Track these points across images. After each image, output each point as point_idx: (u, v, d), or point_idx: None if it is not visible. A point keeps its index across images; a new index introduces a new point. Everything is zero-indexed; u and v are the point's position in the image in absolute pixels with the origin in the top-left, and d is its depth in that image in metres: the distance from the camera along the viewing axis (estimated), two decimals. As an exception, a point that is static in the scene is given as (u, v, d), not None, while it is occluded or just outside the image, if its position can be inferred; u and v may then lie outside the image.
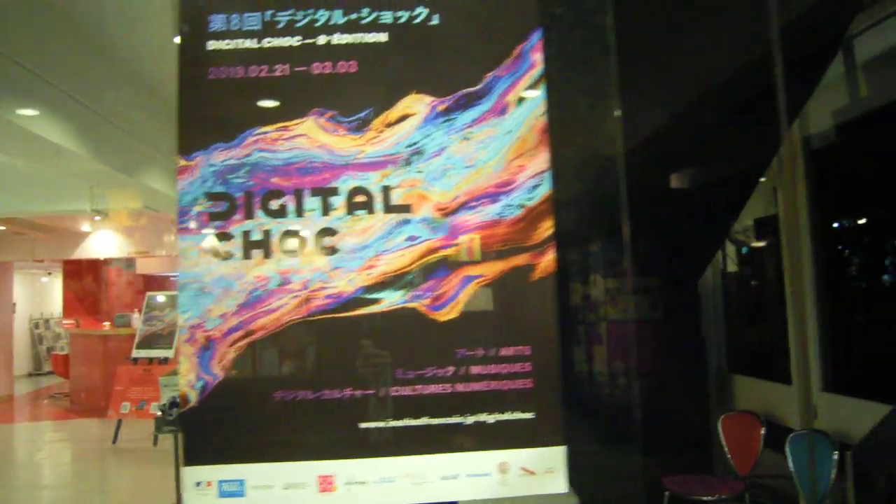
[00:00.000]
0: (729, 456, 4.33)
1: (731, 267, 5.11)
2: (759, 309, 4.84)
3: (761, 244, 4.88)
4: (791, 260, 4.32)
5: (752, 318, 4.98)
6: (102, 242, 11.27)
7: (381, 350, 1.92)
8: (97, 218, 8.64)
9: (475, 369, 1.93)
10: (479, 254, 1.92)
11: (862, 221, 4.50)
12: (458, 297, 1.92)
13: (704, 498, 4.09)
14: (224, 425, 1.89)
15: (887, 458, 2.20)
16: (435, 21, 1.99)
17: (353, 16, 1.98)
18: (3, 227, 10.36)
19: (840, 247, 4.72)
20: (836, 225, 4.66)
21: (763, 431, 4.25)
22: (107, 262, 11.45)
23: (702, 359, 5.04)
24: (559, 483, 1.93)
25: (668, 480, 4.26)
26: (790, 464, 3.76)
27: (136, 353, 8.33)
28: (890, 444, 2.34)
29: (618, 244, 5.15)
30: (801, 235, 4.25)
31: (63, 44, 4.59)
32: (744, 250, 5.09)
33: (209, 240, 1.92)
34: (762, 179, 4.77)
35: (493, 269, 1.93)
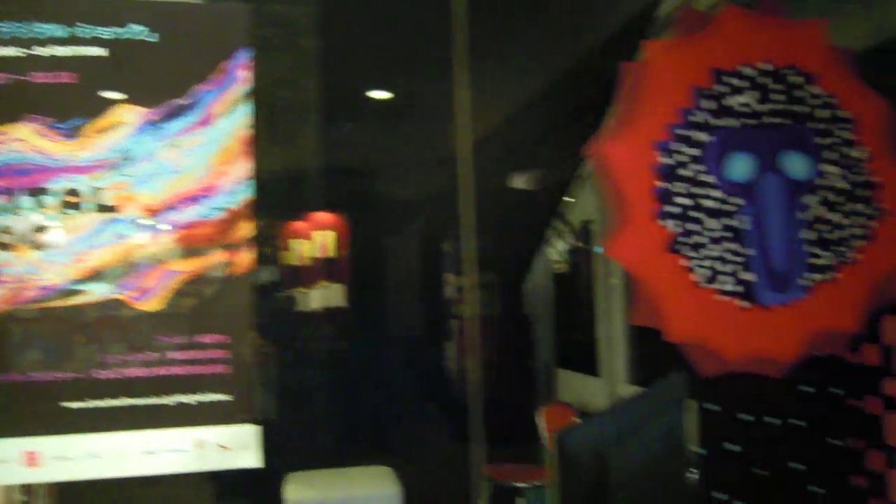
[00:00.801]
0: (548, 445, 4.62)
1: (561, 266, 5.44)
2: (580, 306, 5.17)
3: (583, 244, 5.21)
4: (603, 259, 4.65)
5: (577, 316, 5.31)
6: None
7: (88, 336, 2.10)
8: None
9: (177, 355, 2.13)
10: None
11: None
12: (161, 289, 2.12)
13: (519, 484, 4.40)
14: None
15: (594, 445, 2.47)
16: (152, 39, 2.18)
17: (75, 30, 2.15)
18: None
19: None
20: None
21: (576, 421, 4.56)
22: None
23: (531, 354, 5.35)
24: (252, 458, 2.15)
25: (489, 468, 4.54)
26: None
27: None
28: (600, 433, 2.60)
29: (458, 243, 5.41)
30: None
31: None
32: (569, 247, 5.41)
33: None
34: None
35: (195, 264, 2.14)
